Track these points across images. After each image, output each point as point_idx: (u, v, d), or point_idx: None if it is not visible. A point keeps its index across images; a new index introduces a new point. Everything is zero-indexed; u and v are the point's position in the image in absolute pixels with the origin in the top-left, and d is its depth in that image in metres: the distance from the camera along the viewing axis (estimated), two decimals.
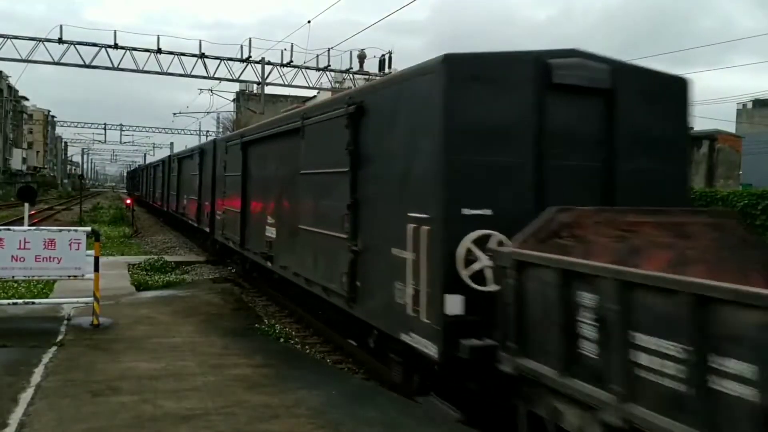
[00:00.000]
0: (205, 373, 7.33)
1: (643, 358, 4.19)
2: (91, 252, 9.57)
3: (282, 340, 9.89)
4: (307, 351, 9.68)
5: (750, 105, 77.58)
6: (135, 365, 7.54)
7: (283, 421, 5.92)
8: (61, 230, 9.73)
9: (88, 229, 10.00)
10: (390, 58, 33.97)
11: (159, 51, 33.72)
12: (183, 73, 34.88)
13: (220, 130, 66.26)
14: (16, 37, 32.47)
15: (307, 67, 35.56)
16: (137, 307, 11.14)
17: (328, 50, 34.50)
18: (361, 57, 36.05)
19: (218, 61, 35.08)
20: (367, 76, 34.43)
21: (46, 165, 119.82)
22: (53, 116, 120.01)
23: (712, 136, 22.69)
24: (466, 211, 6.14)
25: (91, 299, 9.52)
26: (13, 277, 9.42)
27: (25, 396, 6.32)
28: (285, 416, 6.05)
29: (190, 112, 62.09)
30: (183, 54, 34.43)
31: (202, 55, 34.45)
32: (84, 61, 33.12)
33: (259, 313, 12.16)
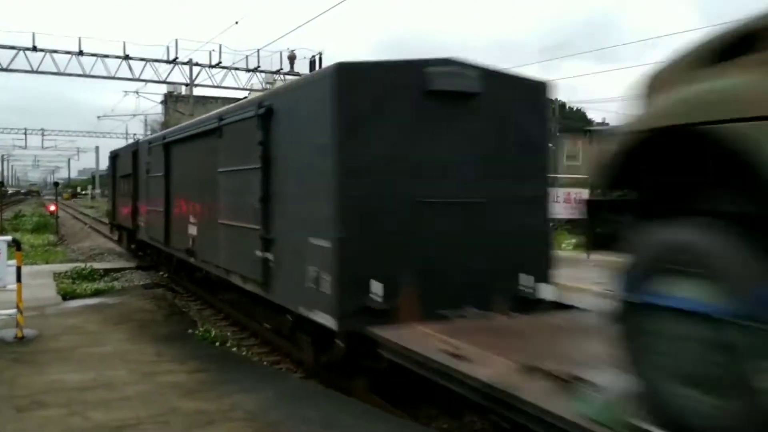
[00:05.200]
0: (136, 382, 7.12)
1: None
2: (13, 262, 9.21)
3: (218, 344, 9.73)
4: (244, 353, 9.54)
5: None
6: (62, 377, 7.26)
7: (219, 426, 5.81)
8: None
9: (9, 238, 9.60)
10: (320, 59, 33.85)
11: (81, 53, 32.70)
12: (107, 75, 33.97)
13: (149, 132, 64.56)
14: None
15: (237, 68, 35.18)
16: (64, 317, 10.75)
17: (258, 51, 34.21)
18: (291, 57, 35.74)
19: (144, 62, 34.29)
20: (297, 77, 34.22)
21: None
22: None
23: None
24: None
25: (14, 311, 9.16)
26: None
27: None
28: (221, 421, 5.94)
29: (116, 115, 60.43)
30: (106, 56, 33.48)
31: (126, 57, 33.57)
32: (1, 65, 31.88)
33: (194, 317, 11.92)
